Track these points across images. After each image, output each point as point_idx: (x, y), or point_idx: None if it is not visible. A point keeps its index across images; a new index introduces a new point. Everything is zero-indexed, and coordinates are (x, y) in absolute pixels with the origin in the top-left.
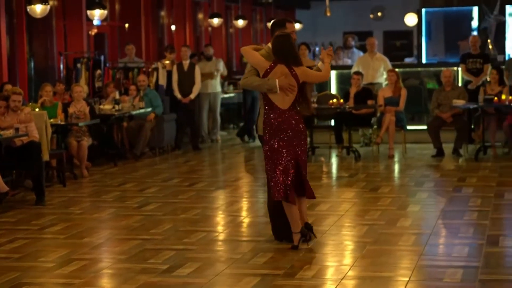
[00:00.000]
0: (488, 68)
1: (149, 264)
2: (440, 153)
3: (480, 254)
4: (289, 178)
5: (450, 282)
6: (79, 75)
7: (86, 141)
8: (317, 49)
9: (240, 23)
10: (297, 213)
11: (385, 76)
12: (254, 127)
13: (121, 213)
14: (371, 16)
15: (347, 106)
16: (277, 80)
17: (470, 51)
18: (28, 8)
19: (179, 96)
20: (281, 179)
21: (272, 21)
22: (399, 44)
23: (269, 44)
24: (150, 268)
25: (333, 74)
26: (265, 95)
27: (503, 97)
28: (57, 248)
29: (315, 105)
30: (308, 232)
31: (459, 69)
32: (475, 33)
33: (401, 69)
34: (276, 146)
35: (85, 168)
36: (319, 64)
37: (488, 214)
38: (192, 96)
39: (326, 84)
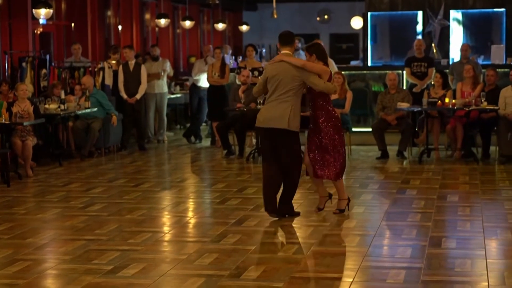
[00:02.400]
0: (433, 71)
1: (94, 264)
2: (384, 155)
3: (423, 256)
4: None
5: (393, 283)
6: (24, 74)
7: (31, 141)
8: (263, 50)
9: (187, 24)
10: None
11: None
12: (286, 122)
13: (66, 213)
14: (318, 18)
15: None
16: (335, 84)
17: (414, 54)
18: None
19: (124, 96)
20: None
21: (287, 32)
22: (345, 47)
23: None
24: (95, 269)
25: None
26: (318, 94)
27: (447, 100)
28: (1, 249)
29: None
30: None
31: (404, 72)
32: (419, 37)
33: (347, 72)
34: (332, 132)
35: (30, 167)
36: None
37: (431, 216)
38: (138, 96)
39: None
